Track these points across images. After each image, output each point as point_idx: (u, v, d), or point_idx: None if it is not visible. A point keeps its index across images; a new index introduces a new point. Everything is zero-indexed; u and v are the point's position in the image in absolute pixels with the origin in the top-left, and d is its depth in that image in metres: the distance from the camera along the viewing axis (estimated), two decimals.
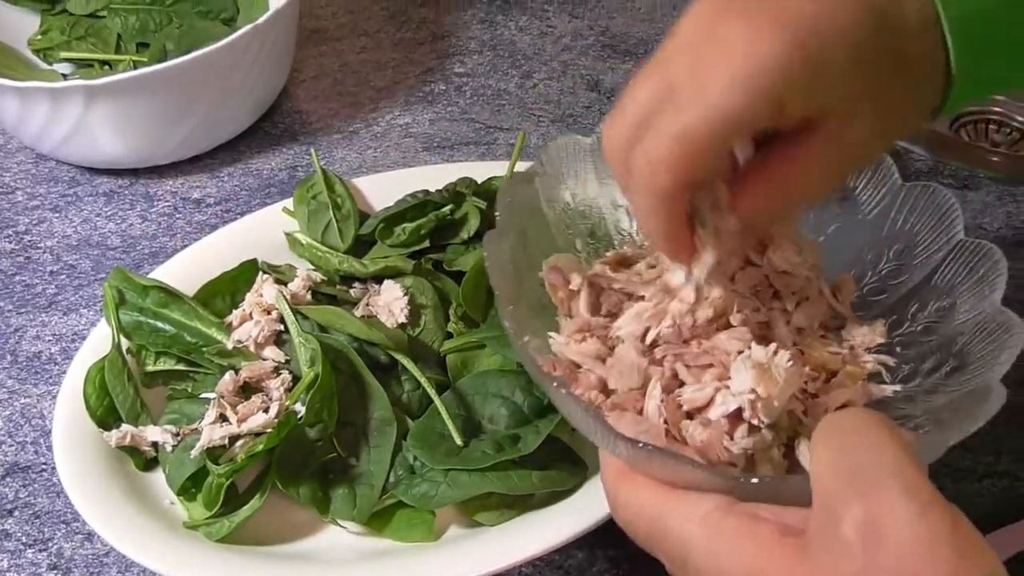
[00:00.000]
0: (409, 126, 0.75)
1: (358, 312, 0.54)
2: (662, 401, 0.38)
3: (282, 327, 0.53)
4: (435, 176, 0.60)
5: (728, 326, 0.40)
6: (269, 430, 0.48)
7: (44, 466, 0.54)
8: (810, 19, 0.32)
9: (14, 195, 0.71)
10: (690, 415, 0.38)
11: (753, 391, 0.36)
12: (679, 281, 0.40)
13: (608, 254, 0.46)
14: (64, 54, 0.76)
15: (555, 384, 0.35)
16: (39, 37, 0.77)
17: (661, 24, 0.84)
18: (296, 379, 0.51)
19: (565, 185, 0.46)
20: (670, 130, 0.33)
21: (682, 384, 0.39)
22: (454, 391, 0.50)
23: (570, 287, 0.44)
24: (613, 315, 0.43)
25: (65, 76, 0.76)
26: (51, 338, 0.61)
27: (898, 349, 0.44)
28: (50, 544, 0.50)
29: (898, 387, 0.42)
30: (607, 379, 0.40)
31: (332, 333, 0.52)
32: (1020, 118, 0.76)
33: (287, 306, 0.52)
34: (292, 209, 0.62)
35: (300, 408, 0.49)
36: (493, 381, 0.50)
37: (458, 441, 0.48)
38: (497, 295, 0.39)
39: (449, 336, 0.54)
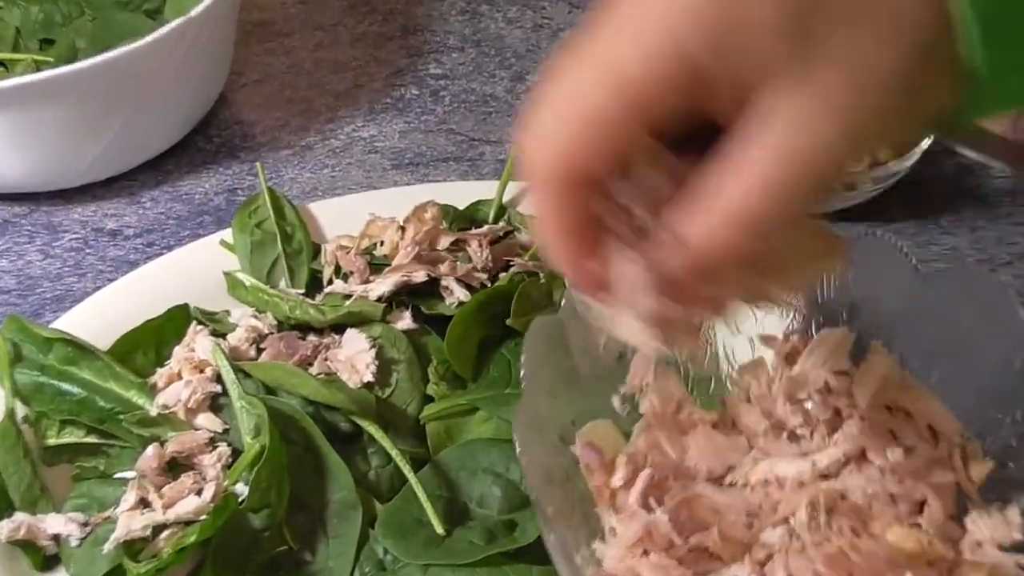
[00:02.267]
0: (374, 139, 0.76)
1: (314, 370, 0.53)
2: None
3: (219, 388, 0.53)
4: (407, 199, 0.61)
5: None
6: (203, 517, 0.47)
7: None
8: None
9: None
10: None
11: None
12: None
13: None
14: None
15: None
16: None
17: None
18: (237, 453, 0.50)
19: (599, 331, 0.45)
20: (559, 100, 0.32)
21: None
22: (434, 466, 0.50)
23: (614, 480, 0.43)
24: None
25: None
26: None
27: None
28: None
29: None
30: None
31: (282, 396, 0.51)
32: None
33: (226, 362, 0.52)
34: (231, 242, 0.62)
35: (242, 489, 0.48)
36: (483, 453, 0.50)
37: (439, 529, 0.47)
38: (534, 498, 0.38)
39: (429, 400, 0.53)
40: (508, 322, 0.54)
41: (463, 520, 0.48)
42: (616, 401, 0.46)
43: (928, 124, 0.34)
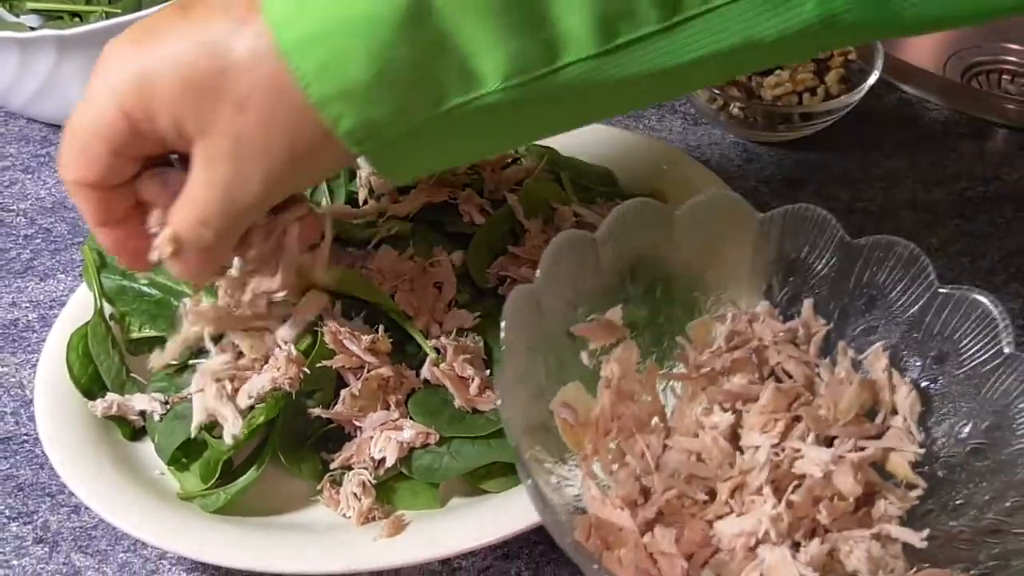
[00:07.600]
0: None
1: None
2: None
3: None
4: None
5: None
6: (265, 401, 0.47)
7: (26, 437, 0.54)
8: (152, 44, 0.36)
9: None
10: None
11: None
12: None
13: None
14: (31, 5, 0.74)
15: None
16: None
17: None
18: None
19: (567, 290, 0.44)
20: (67, 134, 0.39)
21: None
22: None
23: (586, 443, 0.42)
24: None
25: (33, 29, 0.74)
26: (28, 305, 0.60)
27: (940, 474, 0.42)
28: (35, 517, 0.50)
29: (954, 523, 0.40)
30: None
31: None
32: None
33: None
34: None
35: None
36: (496, 348, 0.50)
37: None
38: (514, 445, 0.37)
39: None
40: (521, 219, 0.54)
41: None
42: (584, 356, 0.45)
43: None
